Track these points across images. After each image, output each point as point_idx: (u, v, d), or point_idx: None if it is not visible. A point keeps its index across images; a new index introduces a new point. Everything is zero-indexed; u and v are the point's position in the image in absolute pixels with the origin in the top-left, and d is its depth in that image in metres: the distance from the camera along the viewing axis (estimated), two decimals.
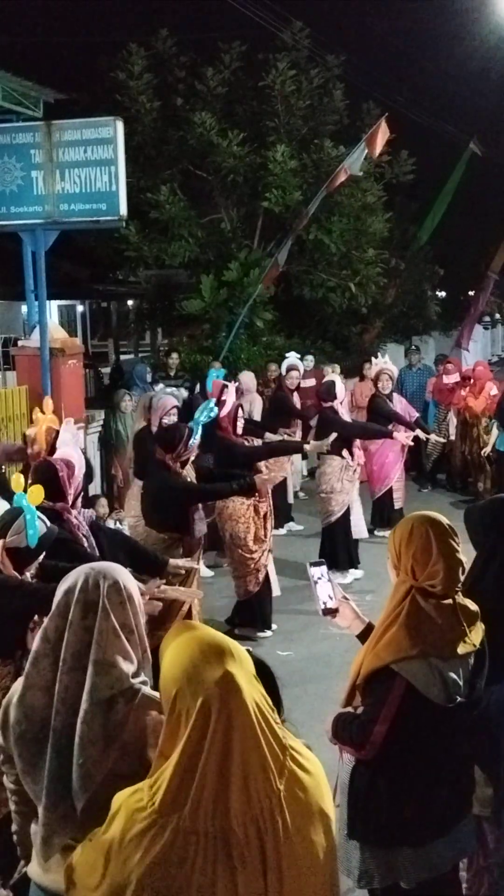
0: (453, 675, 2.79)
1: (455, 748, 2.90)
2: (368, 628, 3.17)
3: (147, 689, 2.32)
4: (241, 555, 6.91)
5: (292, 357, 10.29)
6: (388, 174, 15.24)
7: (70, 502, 4.48)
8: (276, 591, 7.26)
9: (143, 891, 1.72)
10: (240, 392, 9.31)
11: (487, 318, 22.62)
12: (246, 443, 7.16)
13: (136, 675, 2.33)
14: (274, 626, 7.21)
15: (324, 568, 3.29)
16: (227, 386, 7.24)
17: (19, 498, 3.91)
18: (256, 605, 7.08)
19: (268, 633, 7.10)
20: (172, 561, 4.84)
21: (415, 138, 15.31)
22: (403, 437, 9.06)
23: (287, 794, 1.79)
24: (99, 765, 2.20)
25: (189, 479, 5.93)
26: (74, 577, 2.39)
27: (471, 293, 19.98)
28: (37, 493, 4.01)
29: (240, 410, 7.19)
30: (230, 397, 7.11)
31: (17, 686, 2.38)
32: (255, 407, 10.26)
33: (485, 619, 2.95)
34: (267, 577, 7.07)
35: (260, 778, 1.75)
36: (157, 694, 2.09)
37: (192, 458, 6.01)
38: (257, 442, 7.73)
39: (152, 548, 5.42)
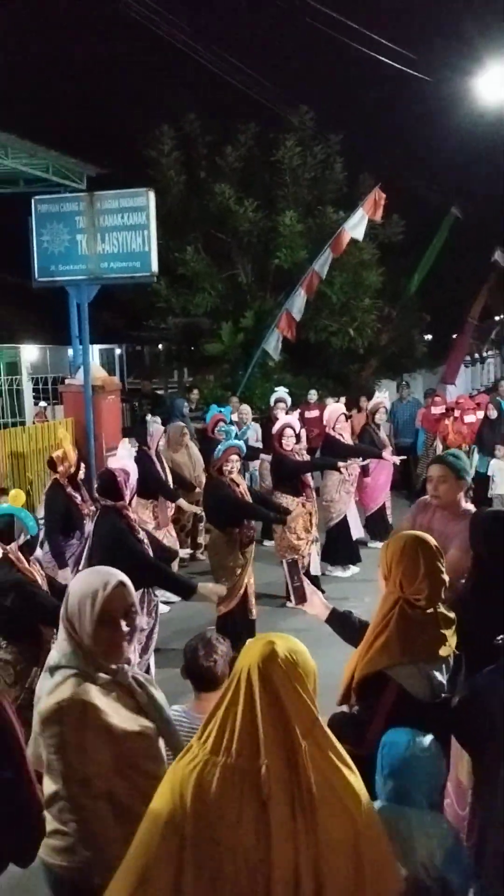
0: (438, 676, 2.75)
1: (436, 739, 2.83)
2: (333, 613, 3.28)
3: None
4: (289, 539, 7.37)
5: (280, 391, 10.36)
6: (381, 235, 15.31)
7: (127, 502, 4.79)
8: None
9: (194, 820, 1.76)
10: (243, 422, 9.88)
11: (468, 357, 22.48)
12: (297, 457, 7.63)
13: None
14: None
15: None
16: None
17: (7, 508, 4.21)
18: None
19: None
20: (201, 585, 4.86)
21: (404, 204, 15.32)
22: (393, 457, 9.08)
23: (311, 749, 1.83)
24: None
25: (240, 490, 6.25)
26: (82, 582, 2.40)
27: (454, 336, 19.97)
28: (18, 497, 4.53)
29: (287, 430, 7.54)
30: (282, 417, 8.07)
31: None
32: (255, 434, 10.49)
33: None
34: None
35: (281, 731, 1.80)
36: None
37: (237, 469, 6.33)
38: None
39: (215, 541, 6.12)
